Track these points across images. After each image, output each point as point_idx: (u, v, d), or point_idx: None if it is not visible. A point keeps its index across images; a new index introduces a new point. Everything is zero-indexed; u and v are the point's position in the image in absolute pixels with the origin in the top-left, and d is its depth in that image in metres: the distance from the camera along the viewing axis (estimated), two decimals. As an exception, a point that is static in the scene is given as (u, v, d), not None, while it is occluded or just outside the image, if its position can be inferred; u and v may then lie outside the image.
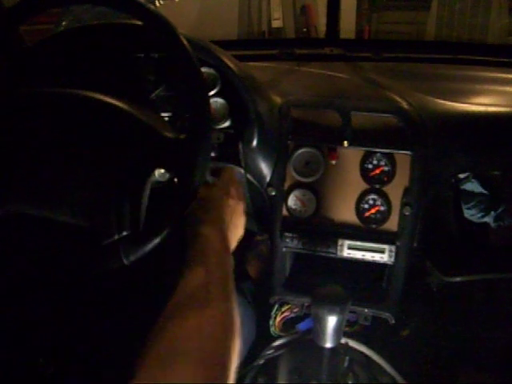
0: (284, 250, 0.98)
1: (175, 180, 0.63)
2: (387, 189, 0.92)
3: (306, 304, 0.99)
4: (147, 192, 0.61)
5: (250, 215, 1.01)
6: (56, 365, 0.90)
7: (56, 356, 0.92)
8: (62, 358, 0.92)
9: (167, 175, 0.64)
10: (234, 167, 0.84)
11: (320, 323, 0.88)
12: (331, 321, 0.86)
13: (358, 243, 0.94)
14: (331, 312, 0.85)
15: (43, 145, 0.62)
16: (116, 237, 0.59)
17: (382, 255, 0.93)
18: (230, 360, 0.46)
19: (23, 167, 0.62)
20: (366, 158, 0.92)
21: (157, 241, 0.60)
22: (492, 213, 1.10)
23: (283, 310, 1.05)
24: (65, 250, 0.62)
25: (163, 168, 0.63)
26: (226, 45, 0.92)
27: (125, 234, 0.59)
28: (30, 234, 0.64)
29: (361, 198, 0.93)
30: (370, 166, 0.92)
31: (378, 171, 0.92)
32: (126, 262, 0.59)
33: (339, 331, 0.90)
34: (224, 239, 0.61)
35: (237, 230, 0.70)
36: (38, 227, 0.62)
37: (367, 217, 0.93)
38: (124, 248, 0.59)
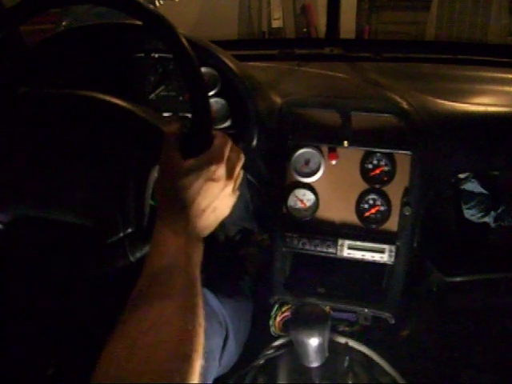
0: (284, 250, 0.98)
1: None
2: (387, 189, 0.92)
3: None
4: (150, 188, 0.61)
5: (250, 215, 1.02)
6: (56, 365, 0.90)
7: (56, 356, 0.92)
8: (62, 358, 0.92)
9: None
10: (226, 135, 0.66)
11: (301, 347, 0.89)
12: (312, 343, 0.87)
13: (358, 243, 0.94)
14: (310, 335, 0.86)
15: (44, 146, 0.62)
16: (121, 234, 0.59)
17: (382, 255, 0.93)
18: (191, 355, 0.46)
19: (26, 169, 0.62)
20: (366, 157, 0.92)
21: None
22: (492, 213, 1.10)
23: (283, 309, 1.05)
24: (71, 250, 0.62)
25: None
26: (226, 45, 0.92)
27: (130, 230, 0.59)
28: (36, 235, 0.64)
29: (361, 198, 0.93)
30: (370, 166, 0.92)
31: (377, 171, 0.92)
32: (131, 258, 0.60)
33: (322, 350, 0.90)
34: (179, 237, 0.54)
35: (215, 215, 0.60)
36: (42, 228, 0.62)
37: (367, 217, 0.93)
38: (129, 245, 0.59)
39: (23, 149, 0.63)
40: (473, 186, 1.08)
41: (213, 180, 0.58)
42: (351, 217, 0.94)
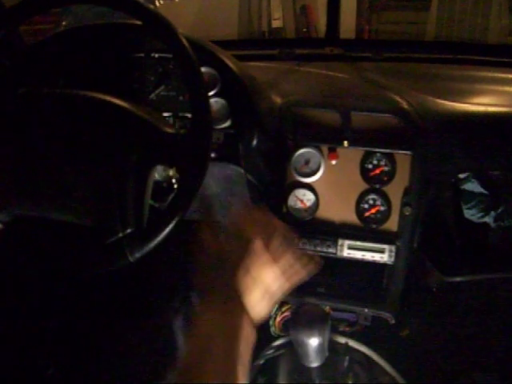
0: (284, 250, 0.97)
1: (177, 176, 0.63)
2: (387, 189, 0.92)
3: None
4: (150, 188, 0.61)
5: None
6: (56, 365, 0.90)
7: (56, 356, 0.92)
8: (62, 358, 0.92)
9: (169, 171, 0.65)
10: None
11: (301, 347, 0.89)
12: (312, 343, 0.87)
13: (358, 243, 0.94)
14: (310, 335, 0.86)
15: (44, 146, 0.62)
16: (120, 234, 0.59)
17: (382, 255, 0.93)
18: None
19: (25, 169, 0.62)
20: (366, 157, 0.92)
21: (161, 237, 0.60)
22: (492, 213, 1.10)
23: (283, 309, 1.05)
24: (70, 250, 0.63)
25: (164, 164, 0.63)
26: (226, 45, 0.92)
27: (129, 231, 0.59)
28: (35, 235, 0.64)
29: (361, 198, 0.93)
30: (370, 166, 0.92)
31: (377, 171, 0.92)
32: (131, 259, 0.60)
33: (322, 350, 0.90)
34: (232, 320, 0.58)
35: (272, 298, 0.66)
36: (42, 228, 0.62)
37: (367, 217, 0.93)
38: (129, 245, 0.59)
39: (23, 149, 0.63)
40: (473, 186, 1.08)
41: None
42: (351, 217, 0.94)
